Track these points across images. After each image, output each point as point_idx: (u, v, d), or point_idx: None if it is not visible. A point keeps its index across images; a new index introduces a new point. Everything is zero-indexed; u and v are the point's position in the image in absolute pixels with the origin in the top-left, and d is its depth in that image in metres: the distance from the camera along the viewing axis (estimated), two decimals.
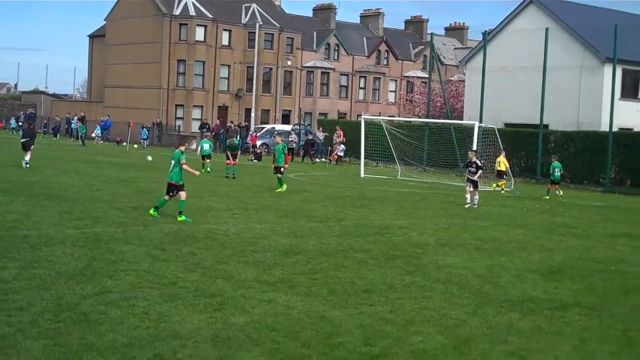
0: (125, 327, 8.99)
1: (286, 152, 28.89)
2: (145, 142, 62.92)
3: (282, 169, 27.97)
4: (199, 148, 38.17)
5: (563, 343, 9.42)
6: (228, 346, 8.49)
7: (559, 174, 32.99)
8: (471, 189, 26.30)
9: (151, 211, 18.69)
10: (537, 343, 9.36)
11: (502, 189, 34.78)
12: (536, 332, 9.87)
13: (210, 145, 37.81)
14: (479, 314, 10.67)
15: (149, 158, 42.06)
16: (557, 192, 32.76)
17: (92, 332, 8.71)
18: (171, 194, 18.92)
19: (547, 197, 31.79)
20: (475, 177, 26.23)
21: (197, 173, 19.99)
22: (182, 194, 18.71)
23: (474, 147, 36.35)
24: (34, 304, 9.72)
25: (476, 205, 25.76)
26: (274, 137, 32.55)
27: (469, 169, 26.71)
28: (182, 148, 19.31)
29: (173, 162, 18.93)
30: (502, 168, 35.46)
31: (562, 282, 13.37)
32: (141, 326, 9.06)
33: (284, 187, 27.25)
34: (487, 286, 12.69)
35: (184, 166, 18.76)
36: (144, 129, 63.41)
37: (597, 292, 12.64)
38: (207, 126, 63.33)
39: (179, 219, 18.22)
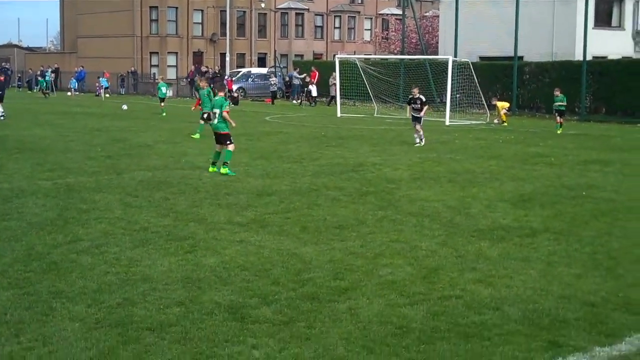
0: (96, 273, 9.04)
1: (212, 97, 26.79)
2: (102, 90, 59.87)
3: (205, 115, 24.74)
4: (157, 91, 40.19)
5: (530, 268, 9.55)
6: (198, 287, 8.56)
7: (562, 105, 31.12)
8: (417, 126, 24.80)
9: (210, 168, 17.51)
10: (504, 269, 9.48)
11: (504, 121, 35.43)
12: (504, 259, 9.99)
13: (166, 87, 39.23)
14: (449, 244, 10.78)
15: (124, 107, 41.83)
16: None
17: (62, 279, 8.75)
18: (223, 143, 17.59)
19: (559, 131, 30.25)
20: (421, 114, 24.69)
21: (234, 124, 17.89)
22: (231, 146, 17.47)
23: (449, 82, 36.39)
24: (4, 255, 9.74)
25: (423, 142, 24.47)
26: (198, 81, 30.02)
27: (413, 105, 25.03)
28: (222, 94, 18.36)
29: (217, 110, 17.70)
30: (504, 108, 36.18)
31: (533, 210, 13.50)
32: (111, 272, 9.11)
33: (197, 135, 25.51)
34: (459, 217, 12.80)
35: (225, 114, 17.48)
36: (102, 78, 61.49)
37: (566, 218, 12.78)
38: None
39: (222, 170, 17.08)
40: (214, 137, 17.94)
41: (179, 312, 7.69)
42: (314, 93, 51.50)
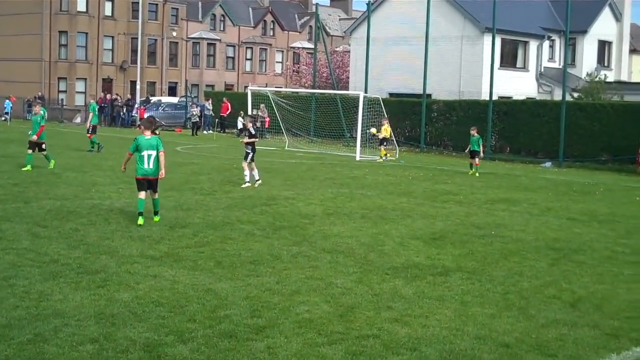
0: (4, 307, 8.75)
1: (43, 123, 23.87)
2: (7, 115, 58.28)
3: (43, 145, 23.91)
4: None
5: (445, 307, 9.66)
6: (112, 323, 8.37)
7: (477, 146, 29.69)
8: (247, 162, 21.87)
9: (140, 220, 14.57)
10: (420, 308, 9.57)
11: (387, 156, 35.43)
12: (419, 298, 10.08)
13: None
14: (364, 282, 10.83)
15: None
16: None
17: None
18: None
19: (471, 173, 29.36)
20: (249, 144, 21.77)
21: (164, 173, 15.27)
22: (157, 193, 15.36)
23: (360, 117, 36.79)
24: None
25: (259, 182, 21.81)
26: (33, 107, 27.05)
27: (245, 135, 22.64)
28: (149, 132, 15.16)
29: (151, 152, 14.88)
30: (387, 135, 36.08)
31: (444, 248, 13.70)
32: (21, 306, 8.84)
33: (53, 163, 23.99)
34: (372, 254, 12.89)
35: (162, 157, 15.01)
36: (7, 101, 59.81)
37: (477, 257, 13.00)
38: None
39: (156, 219, 15.04)
40: (137, 183, 15.12)
41: (92, 350, 7.50)
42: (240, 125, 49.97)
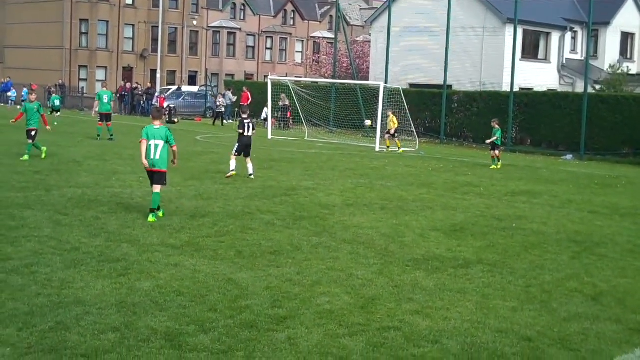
0: (27, 295, 8.79)
1: (42, 112, 23.62)
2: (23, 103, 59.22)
3: (33, 132, 23.06)
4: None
5: (466, 300, 9.62)
6: (133, 312, 8.39)
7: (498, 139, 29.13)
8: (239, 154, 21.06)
9: (150, 218, 13.91)
10: (441, 300, 9.54)
11: (388, 148, 35.16)
12: (441, 290, 10.05)
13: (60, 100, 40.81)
14: (385, 274, 10.80)
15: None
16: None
17: None
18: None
19: (493, 167, 28.51)
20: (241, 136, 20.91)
21: (177, 162, 15.18)
22: (160, 187, 14.37)
23: (380, 108, 36.66)
24: None
25: (253, 175, 21.01)
26: (28, 95, 25.59)
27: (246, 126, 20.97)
28: (159, 122, 14.45)
29: (159, 142, 14.12)
30: (396, 125, 35.60)
31: (465, 240, 13.64)
32: (43, 293, 8.88)
33: (44, 150, 23.19)
34: (393, 245, 12.85)
35: (175, 150, 14.57)
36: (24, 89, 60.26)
37: (498, 249, 12.94)
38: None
39: (151, 219, 13.88)
40: (148, 175, 14.62)
41: (114, 339, 7.52)
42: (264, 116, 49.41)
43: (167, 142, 14.22)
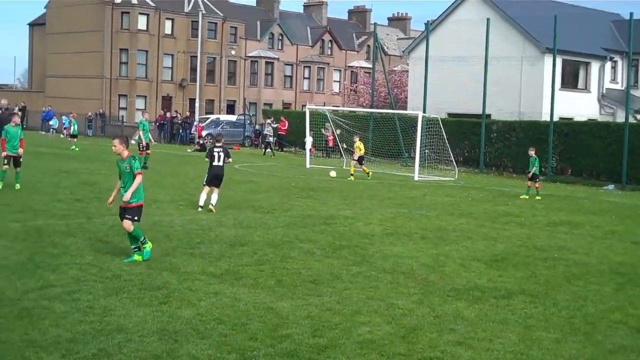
0: (69, 321, 8.85)
1: (22, 136, 22.12)
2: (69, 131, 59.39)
3: (20, 159, 21.97)
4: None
5: (509, 331, 9.51)
6: (174, 340, 8.40)
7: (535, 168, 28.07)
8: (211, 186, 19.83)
9: (136, 256, 12.75)
10: (483, 331, 9.43)
11: (367, 174, 33.74)
12: (482, 321, 9.95)
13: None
14: (425, 303, 10.72)
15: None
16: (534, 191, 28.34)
17: (34, 327, 8.55)
18: None
19: (526, 197, 27.77)
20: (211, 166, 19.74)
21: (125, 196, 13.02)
22: (130, 223, 12.86)
23: (418, 137, 36.58)
24: None
25: (210, 208, 19.24)
26: (13, 117, 23.20)
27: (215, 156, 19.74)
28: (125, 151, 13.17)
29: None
30: (361, 152, 34.19)
31: (506, 270, 13.51)
32: (85, 320, 8.93)
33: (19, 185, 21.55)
34: (433, 275, 12.76)
35: (138, 178, 12.96)
36: (65, 117, 60.82)
37: (540, 280, 12.79)
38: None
39: (137, 257, 12.71)
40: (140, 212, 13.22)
41: None
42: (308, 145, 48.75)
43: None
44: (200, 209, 19.29)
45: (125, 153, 12.97)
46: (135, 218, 12.84)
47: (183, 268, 12.21)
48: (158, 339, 8.41)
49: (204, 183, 19.81)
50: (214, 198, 19.53)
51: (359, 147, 34.45)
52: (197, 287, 10.91)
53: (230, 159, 20.04)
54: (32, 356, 7.60)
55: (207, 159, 19.97)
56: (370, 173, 34.34)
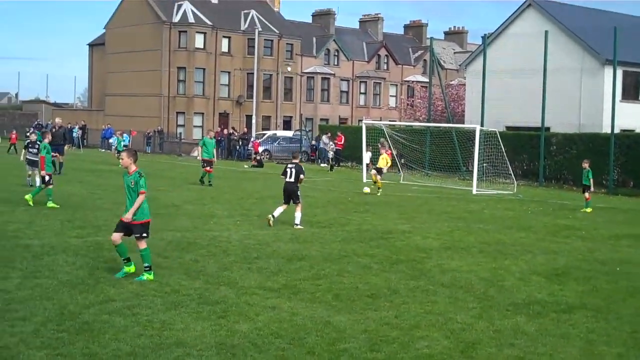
0: (129, 335, 8.93)
1: (43, 154, 21.65)
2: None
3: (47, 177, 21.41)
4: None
5: (570, 345, 9.34)
6: (232, 354, 8.42)
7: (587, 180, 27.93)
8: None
9: (126, 268, 12.57)
10: (543, 346, 9.28)
11: (379, 188, 31.76)
12: (543, 335, 9.79)
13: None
14: (484, 318, 10.59)
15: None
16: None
17: (95, 341, 8.64)
18: None
19: (587, 209, 27.31)
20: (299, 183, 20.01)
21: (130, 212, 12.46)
22: (143, 243, 12.53)
23: (476, 151, 36.27)
24: (37, 314, 9.66)
25: (299, 226, 19.48)
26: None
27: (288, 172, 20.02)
28: (134, 166, 12.54)
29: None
30: (382, 165, 32.57)
31: (567, 284, 13.29)
32: (145, 334, 9.00)
33: (50, 203, 20.97)
34: (492, 289, 12.61)
35: (141, 198, 12.34)
36: (125, 135, 62.39)
37: (602, 294, 12.56)
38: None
39: (147, 276, 12.29)
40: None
41: None
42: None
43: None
44: (269, 217, 19.53)
45: (133, 167, 12.49)
46: (144, 235, 12.47)
47: (241, 282, 12.25)
48: (216, 353, 8.43)
49: (283, 200, 20.07)
50: (297, 217, 19.65)
51: (385, 160, 32.70)
52: (255, 302, 10.93)
53: (302, 176, 20.06)
54: None
55: (282, 176, 20.27)
56: (380, 190, 31.57)
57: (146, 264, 12.38)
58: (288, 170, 19.93)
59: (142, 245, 12.39)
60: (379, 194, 30.81)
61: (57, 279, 11.79)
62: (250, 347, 8.71)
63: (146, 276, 12.23)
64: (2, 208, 20.06)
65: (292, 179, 19.82)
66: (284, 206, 19.94)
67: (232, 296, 11.22)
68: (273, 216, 19.57)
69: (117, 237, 12.45)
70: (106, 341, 8.65)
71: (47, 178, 21.35)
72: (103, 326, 9.26)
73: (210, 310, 10.28)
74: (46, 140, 22.19)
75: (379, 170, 32.44)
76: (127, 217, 12.33)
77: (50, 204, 20.93)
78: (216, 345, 8.69)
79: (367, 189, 31.82)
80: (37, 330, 8.97)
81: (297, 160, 20.29)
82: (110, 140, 65.20)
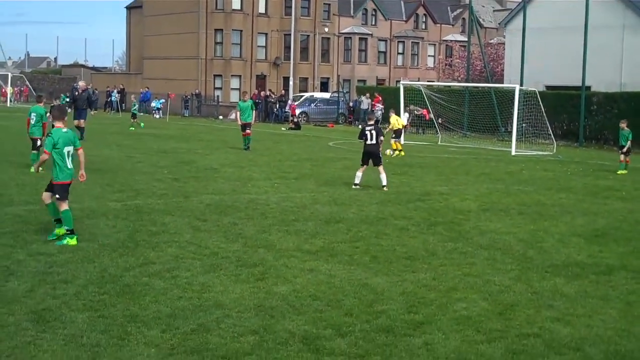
0: (169, 298, 9.05)
1: (45, 120, 21.01)
2: (158, 112, 63.33)
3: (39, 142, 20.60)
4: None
5: (609, 307, 9.30)
6: (271, 315, 8.50)
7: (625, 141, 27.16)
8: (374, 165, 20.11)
9: (57, 229, 12.18)
10: (582, 308, 9.25)
11: (396, 153, 31.25)
12: (582, 297, 9.75)
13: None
14: (523, 280, 10.56)
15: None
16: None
17: (135, 303, 8.77)
18: None
19: (624, 171, 26.55)
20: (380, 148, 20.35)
21: (83, 177, 12.61)
22: (64, 204, 12.05)
23: (515, 111, 35.92)
24: (78, 277, 9.81)
25: (386, 187, 19.68)
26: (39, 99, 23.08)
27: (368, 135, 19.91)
28: (60, 124, 12.50)
29: (68, 148, 12.24)
30: (398, 126, 32.08)
31: (607, 246, 13.19)
32: (184, 297, 9.11)
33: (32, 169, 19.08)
34: (531, 251, 12.56)
35: (81, 155, 12.58)
36: (157, 99, 64.16)
37: None
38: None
39: (70, 241, 11.77)
40: (61, 190, 12.18)
41: (253, 341, 7.64)
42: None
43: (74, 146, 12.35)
44: (354, 187, 19.69)
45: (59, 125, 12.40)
46: (57, 196, 12.06)
47: (279, 245, 12.32)
48: (255, 314, 8.52)
49: (361, 162, 20.13)
50: (383, 178, 19.77)
51: (398, 121, 32.21)
52: (293, 264, 11.00)
53: (382, 137, 20.27)
54: (134, 331, 7.80)
55: (360, 140, 20.34)
56: (397, 152, 31.38)
57: (66, 227, 11.91)
58: (367, 133, 19.94)
59: (62, 206, 11.97)
60: (393, 156, 30.46)
61: (98, 242, 11.95)
62: (289, 309, 8.79)
63: (67, 240, 11.75)
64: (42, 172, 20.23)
65: (374, 141, 19.89)
66: (363, 168, 20.03)
67: (270, 259, 11.30)
68: (357, 184, 19.76)
69: (46, 196, 12.29)
70: (146, 303, 8.77)
71: (38, 142, 20.63)
72: (143, 289, 9.39)
73: (248, 273, 10.37)
74: (41, 104, 22.02)
75: (398, 133, 31.99)
76: (83, 175, 12.47)
77: (32, 170, 19.16)
78: (254, 308, 8.77)
79: (389, 151, 31.14)
80: (79, 292, 9.12)
81: (373, 122, 20.42)
82: (153, 104, 65.66)
